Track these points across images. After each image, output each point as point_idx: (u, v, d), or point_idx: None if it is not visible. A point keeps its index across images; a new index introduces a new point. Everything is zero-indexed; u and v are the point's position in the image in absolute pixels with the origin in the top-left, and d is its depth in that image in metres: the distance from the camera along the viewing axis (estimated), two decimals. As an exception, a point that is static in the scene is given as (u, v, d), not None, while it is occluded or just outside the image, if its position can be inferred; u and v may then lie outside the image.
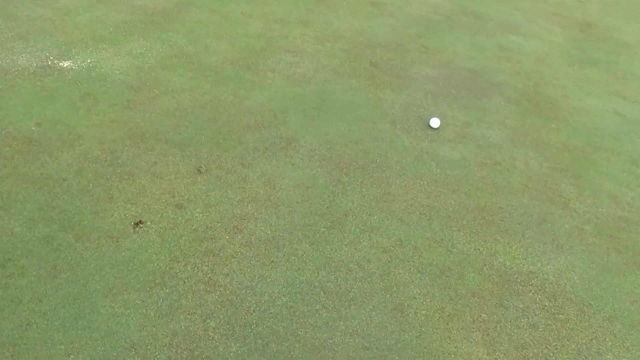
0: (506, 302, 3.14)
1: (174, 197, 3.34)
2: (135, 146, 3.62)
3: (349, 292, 2.98)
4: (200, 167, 3.55)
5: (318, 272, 3.04)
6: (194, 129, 3.85)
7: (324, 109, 4.30)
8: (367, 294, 2.99)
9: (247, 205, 3.34)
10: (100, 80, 4.30)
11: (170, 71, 4.55)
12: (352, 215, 3.39)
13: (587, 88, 5.42)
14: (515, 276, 3.30)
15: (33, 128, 3.72)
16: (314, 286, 2.97)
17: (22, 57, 4.41)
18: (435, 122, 4.36)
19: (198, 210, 3.28)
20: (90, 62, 4.52)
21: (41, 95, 4.00)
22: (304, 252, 3.11)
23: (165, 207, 3.27)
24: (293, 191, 3.47)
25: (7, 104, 3.94)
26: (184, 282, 2.91)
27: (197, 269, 2.96)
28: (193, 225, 3.19)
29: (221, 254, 3.06)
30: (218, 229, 3.19)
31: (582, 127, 4.78)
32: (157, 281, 2.89)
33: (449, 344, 2.87)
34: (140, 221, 3.19)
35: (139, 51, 4.73)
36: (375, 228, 3.35)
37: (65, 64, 4.40)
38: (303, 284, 2.97)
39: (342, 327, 2.85)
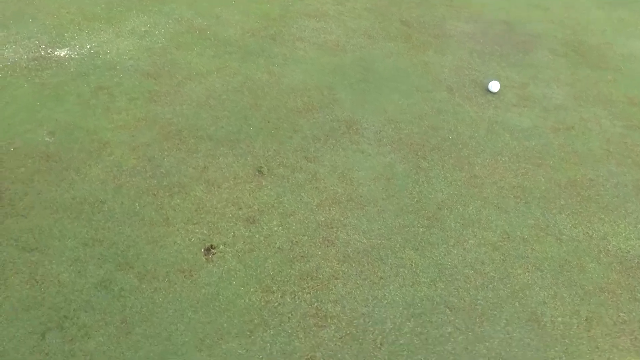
0: (639, 294, 2.71)
1: (240, 208, 2.72)
2: (175, 148, 2.95)
3: (475, 305, 2.47)
4: (261, 167, 2.92)
5: (435, 285, 2.52)
6: (237, 120, 3.19)
7: (372, 80, 3.69)
8: (495, 305, 2.49)
9: (329, 210, 2.75)
10: (109, 69, 3.54)
11: (187, 50, 3.81)
12: (447, 208, 2.86)
13: (625, 31, 4.97)
14: (637, 260, 2.87)
15: (47, 139, 2.98)
16: (436, 303, 2.45)
17: (6, 48, 3.59)
18: (494, 86, 3.84)
19: (275, 222, 2.68)
20: (90, 48, 3.73)
21: (44, 95, 3.23)
22: (412, 261, 2.58)
23: (235, 223, 2.65)
24: (374, 185, 2.90)
25: (5, 111, 3.16)
26: (289, 318, 2.33)
27: (298, 298, 2.39)
28: (275, 243, 2.59)
29: (320, 276, 2.49)
30: (306, 244, 2.61)
31: (638, 76, 4.34)
32: (255, 321, 2.30)
33: (599, 356, 2.42)
34: (211, 246, 2.57)
35: (143, 29, 3.96)
36: (475, 221, 2.84)
37: (62, 52, 3.60)
38: (424, 302, 2.44)
39: (484, 350, 2.35)
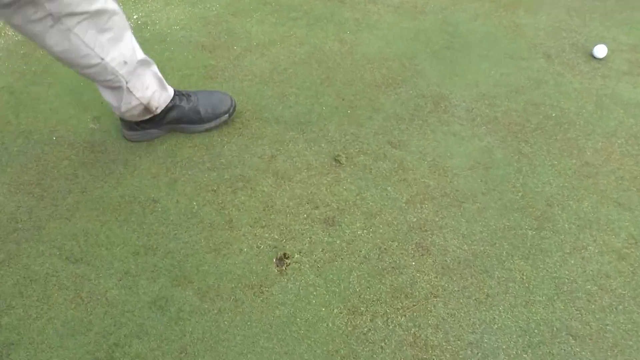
0: None
1: (316, 207, 2.26)
2: (237, 134, 2.49)
3: (604, 332, 1.95)
4: (338, 155, 2.44)
5: (553, 305, 2.01)
6: (307, 98, 2.71)
7: (458, 47, 3.12)
8: (629, 333, 1.95)
9: (421, 208, 2.26)
10: (158, 42, 3.08)
11: (246, 18, 3.31)
12: (558, 205, 2.32)
13: None
14: None
15: (92, 125, 2.57)
16: (557, 329, 1.94)
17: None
18: (600, 51, 3.20)
19: (358, 224, 2.20)
20: (137, 19, 3.28)
21: (87, 73, 2.81)
22: (522, 274, 2.07)
23: (311, 226, 2.19)
24: (470, 176, 2.38)
25: (48, 94, 2.76)
26: (382, 347, 1.88)
27: (392, 322, 1.92)
28: (360, 250, 2.13)
29: (415, 293, 2.01)
30: (396, 252, 2.13)
31: None
32: (342, 352, 1.85)
33: None
34: (284, 254, 2.12)
35: (194, -5, 3.48)
36: (593, 221, 2.28)
37: (106, 24, 3.16)
38: (541, 327, 1.94)
39: (627, 395, 1.85)
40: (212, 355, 1.70)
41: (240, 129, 2.40)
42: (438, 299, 1.87)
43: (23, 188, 2.16)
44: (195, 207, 2.06)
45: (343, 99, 2.50)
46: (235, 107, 2.38)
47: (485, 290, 1.89)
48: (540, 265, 2.00)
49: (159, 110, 2.20)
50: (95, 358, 1.73)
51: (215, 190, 2.12)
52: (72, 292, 1.87)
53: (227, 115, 2.17)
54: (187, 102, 2.31)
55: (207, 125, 2.20)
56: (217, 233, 1.98)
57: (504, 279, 1.95)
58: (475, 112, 2.52)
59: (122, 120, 1.98)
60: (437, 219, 2.07)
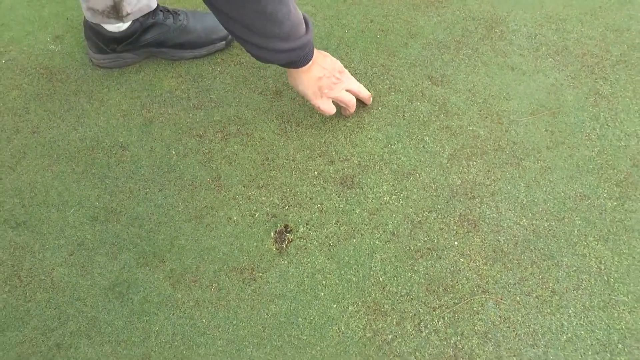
0: None
1: (331, 162, 1.62)
2: (233, 62, 1.82)
3: None
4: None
5: None
6: (326, 18, 1.99)
7: None
8: None
9: (468, 166, 1.61)
10: None
11: None
12: None
13: None
14: None
15: (51, 46, 1.92)
16: None
17: None
18: None
19: (384, 187, 1.57)
20: None
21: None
22: (600, 261, 1.43)
23: (324, 187, 1.57)
24: (532, 124, 1.71)
25: (0, 6, 2.10)
26: None
27: (426, 326, 1.33)
28: (386, 223, 1.51)
29: (458, 286, 1.42)
30: (434, 227, 1.51)
31: None
32: None
33: None
34: (286, 227, 1.53)
35: None
36: None
37: None
38: (627, 342, 1.33)
39: None
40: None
41: (238, 56, 1.74)
42: (487, 296, 1.26)
43: (-53, 127, 1.57)
44: (174, 157, 1.45)
45: (371, 21, 1.81)
46: (234, 30, 1.71)
47: (551, 285, 1.28)
48: (625, 251, 1.38)
49: (128, 21, 1.55)
50: (30, 364, 1.18)
51: (201, 136, 1.50)
52: (7, 268, 1.31)
53: (223, 42, 1.54)
54: (173, 20, 1.64)
55: (196, 52, 1.57)
56: (200, 194, 1.38)
57: (575, 268, 1.33)
58: (539, 39, 1.81)
59: (89, 39, 1.67)
60: (489, 182, 1.43)
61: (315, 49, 1.23)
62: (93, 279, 1.38)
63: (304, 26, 1.10)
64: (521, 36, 1.84)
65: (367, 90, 1.42)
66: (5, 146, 1.62)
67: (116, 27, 1.67)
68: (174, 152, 1.60)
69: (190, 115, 1.68)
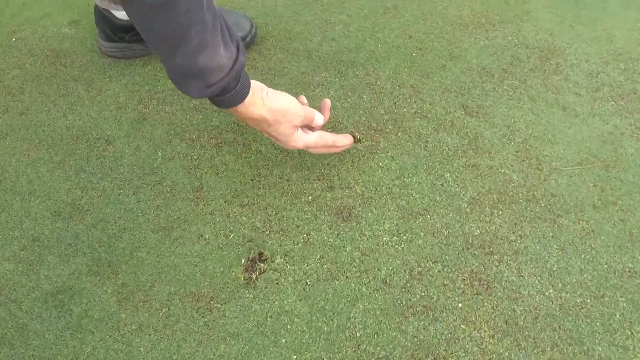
0: None
1: (331, 188, 1.38)
2: (249, 66, 1.63)
3: None
4: (381, 113, 1.53)
5: None
6: (360, 30, 1.76)
7: None
8: None
9: (492, 214, 1.33)
10: None
11: None
12: None
13: None
14: None
15: (65, 30, 1.80)
16: None
17: None
18: None
19: (386, 225, 1.31)
20: None
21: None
22: None
23: (315, 216, 1.33)
24: (579, 176, 1.39)
25: None
26: None
27: None
28: (379, 268, 1.24)
29: (452, 359, 1.14)
30: (436, 281, 1.23)
31: None
32: None
33: None
34: (260, 255, 1.29)
35: None
36: None
37: None
38: None
39: None
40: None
41: (254, 60, 1.54)
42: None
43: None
44: (159, 159, 1.26)
45: (410, 37, 1.57)
46: (255, 34, 1.53)
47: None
48: None
49: None
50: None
51: (193, 140, 1.30)
52: (-48, 255, 1.14)
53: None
54: (187, 17, 1.47)
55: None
56: (177, 204, 1.17)
57: None
58: (601, 78, 1.51)
59: (99, 25, 1.53)
60: (513, 238, 1.14)
61: (262, 109, 0.95)
62: (38, 280, 1.20)
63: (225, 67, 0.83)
64: (580, 72, 1.55)
65: (340, 143, 1.10)
66: (-11, 125, 1.49)
67: (125, 14, 1.52)
68: (160, 154, 1.41)
69: (187, 116, 1.49)
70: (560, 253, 1.24)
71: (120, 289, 1.20)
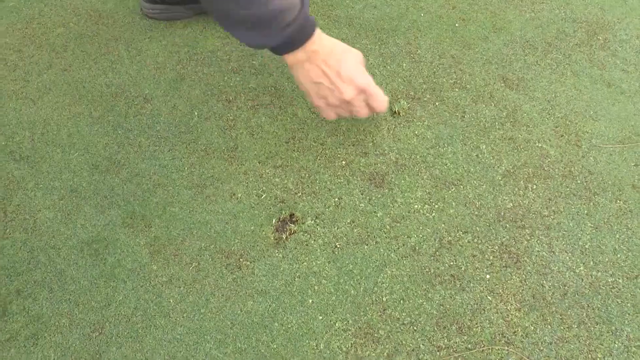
0: None
1: (365, 153, 1.38)
2: None
3: None
4: (420, 82, 1.51)
5: None
6: None
7: None
8: None
9: (525, 188, 1.30)
10: None
11: None
12: None
13: None
14: None
15: None
16: None
17: None
18: None
19: (419, 193, 1.30)
20: None
21: None
22: None
23: (348, 180, 1.33)
24: (619, 154, 1.35)
25: None
26: None
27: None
28: (409, 235, 1.23)
29: (476, 328, 1.13)
30: (465, 252, 1.22)
31: None
32: None
33: None
34: (291, 216, 1.30)
35: None
36: None
37: None
38: None
39: None
40: (134, 348, 0.94)
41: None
42: (510, 349, 0.96)
43: None
44: (195, 118, 1.27)
45: (453, 7, 1.53)
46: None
47: (599, 356, 0.95)
48: None
49: None
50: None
51: (230, 101, 1.31)
52: (-5, 203, 1.18)
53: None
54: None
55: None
56: (210, 162, 1.18)
57: (638, 344, 0.99)
58: None
59: None
60: (547, 213, 1.11)
61: (330, 42, 0.94)
62: (75, 229, 1.23)
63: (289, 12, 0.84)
64: (630, 49, 1.49)
65: (382, 99, 1.07)
66: (34, 79, 1.53)
67: None
68: (196, 113, 1.42)
69: (225, 78, 1.49)
70: (594, 231, 1.21)
71: (153, 241, 1.23)
